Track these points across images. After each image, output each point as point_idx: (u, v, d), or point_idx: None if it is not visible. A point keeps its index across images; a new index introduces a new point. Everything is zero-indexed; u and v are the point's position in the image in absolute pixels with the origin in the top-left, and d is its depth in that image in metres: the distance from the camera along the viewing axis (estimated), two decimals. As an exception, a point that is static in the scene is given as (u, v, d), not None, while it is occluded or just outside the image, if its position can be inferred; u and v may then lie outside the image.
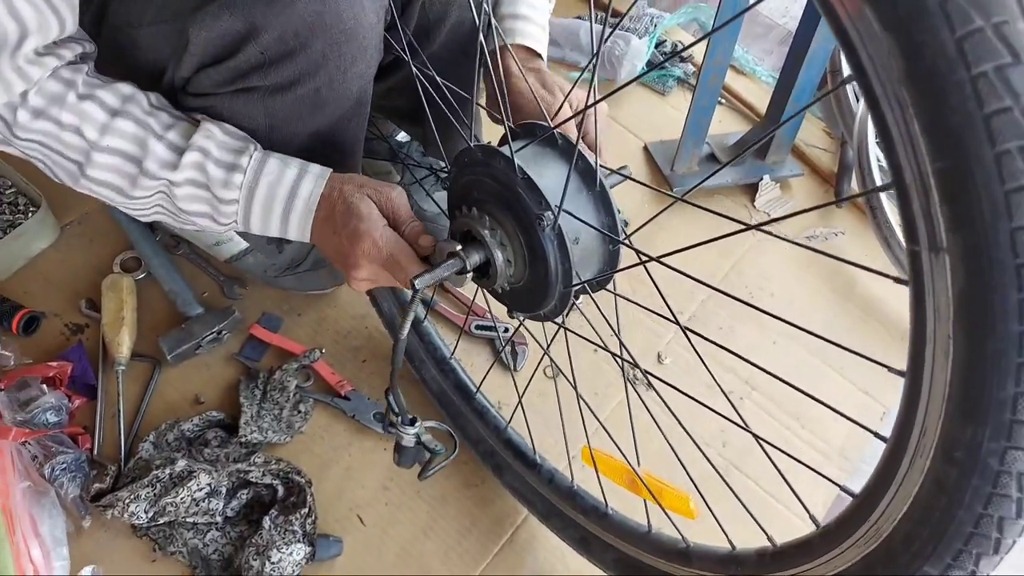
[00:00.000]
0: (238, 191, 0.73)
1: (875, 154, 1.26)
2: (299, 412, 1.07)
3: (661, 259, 0.60)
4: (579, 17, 1.65)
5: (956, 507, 0.44)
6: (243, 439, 1.02)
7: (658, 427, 0.77)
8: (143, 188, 0.72)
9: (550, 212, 0.61)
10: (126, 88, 0.71)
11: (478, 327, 1.18)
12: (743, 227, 0.54)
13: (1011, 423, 0.40)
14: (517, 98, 0.81)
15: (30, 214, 1.16)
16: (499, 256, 0.67)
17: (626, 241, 0.66)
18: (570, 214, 0.63)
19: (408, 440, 0.84)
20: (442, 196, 0.89)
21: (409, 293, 0.69)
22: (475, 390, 1.04)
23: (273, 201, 0.74)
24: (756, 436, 0.63)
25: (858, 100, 1.36)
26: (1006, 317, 0.37)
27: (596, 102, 0.60)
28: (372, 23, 0.77)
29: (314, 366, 1.10)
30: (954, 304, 0.39)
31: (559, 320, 0.73)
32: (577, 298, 0.70)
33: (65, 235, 1.19)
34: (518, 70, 0.80)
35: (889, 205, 1.24)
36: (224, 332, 1.11)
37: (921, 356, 0.43)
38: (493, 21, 0.76)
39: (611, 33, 1.49)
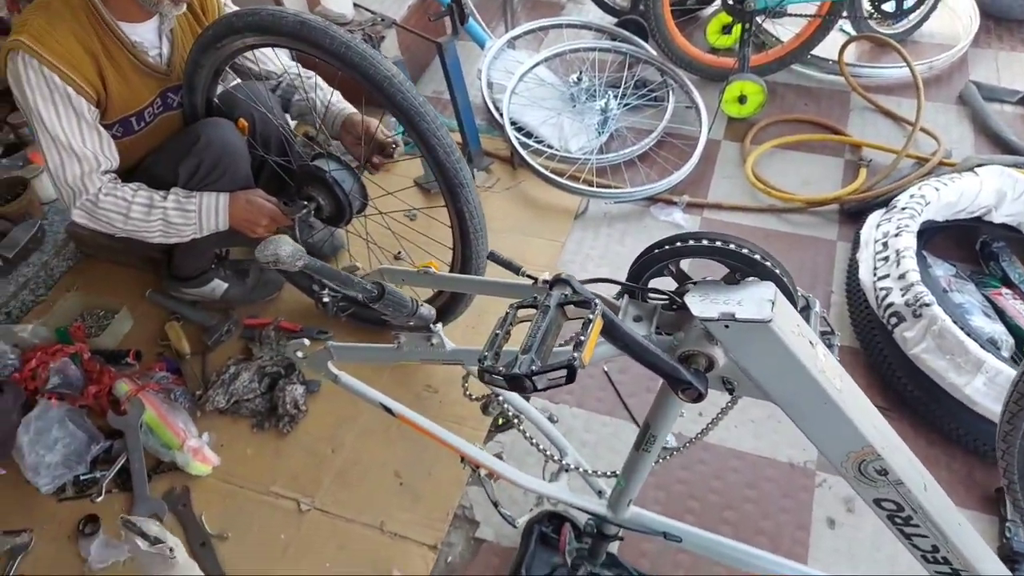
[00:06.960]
0: (195, 204, 1.83)
1: (515, 139, 2.54)
2: (282, 344, 2.16)
3: (368, 164, 1.79)
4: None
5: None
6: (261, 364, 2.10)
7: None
8: (153, 215, 1.77)
9: (328, 174, 1.79)
10: (139, 184, 1.82)
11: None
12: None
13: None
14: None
15: (113, 317, 2.25)
16: (322, 200, 1.84)
17: (363, 175, 1.84)
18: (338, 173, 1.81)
19: (326, 298, 1.97)
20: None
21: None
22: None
23: (210, 204, 1.84)
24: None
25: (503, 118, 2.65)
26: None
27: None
28: (241, 145, 1.93)
29: (280, 324, 2.20)
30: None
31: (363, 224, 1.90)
32: (361, 209, 1.87)
33: (136, 319, 2.28)
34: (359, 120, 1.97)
35: (536, 164, 2.49)
36: (231, 326, 2.21)
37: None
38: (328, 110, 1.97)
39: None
